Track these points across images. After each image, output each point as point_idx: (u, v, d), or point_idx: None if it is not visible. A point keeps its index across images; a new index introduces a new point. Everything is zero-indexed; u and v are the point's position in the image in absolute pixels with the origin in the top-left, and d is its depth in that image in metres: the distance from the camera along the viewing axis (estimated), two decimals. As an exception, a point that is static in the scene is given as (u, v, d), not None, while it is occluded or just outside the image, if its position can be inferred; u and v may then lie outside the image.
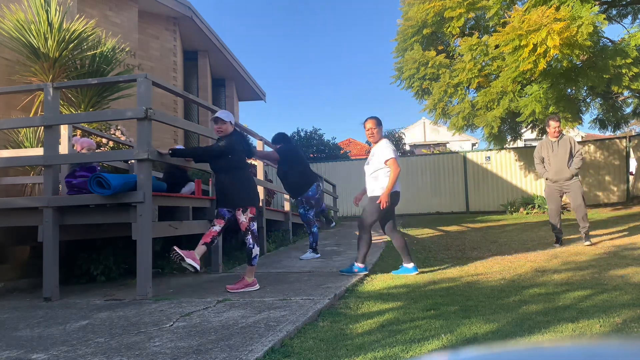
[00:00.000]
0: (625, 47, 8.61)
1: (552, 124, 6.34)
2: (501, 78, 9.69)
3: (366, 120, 5.03)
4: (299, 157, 6.30)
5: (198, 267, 4.06)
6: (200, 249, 4.14)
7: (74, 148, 5.05)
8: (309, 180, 6.18)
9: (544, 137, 6.60)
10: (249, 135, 8.58)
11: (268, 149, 7.20)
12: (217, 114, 4.38)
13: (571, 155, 6.23)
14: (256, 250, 4.27)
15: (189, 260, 3.97)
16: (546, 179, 6.42)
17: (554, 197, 6.36)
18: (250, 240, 4.27)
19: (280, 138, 6.41)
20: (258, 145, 7.26)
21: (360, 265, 4.86)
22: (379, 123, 5.02)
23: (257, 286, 4.21)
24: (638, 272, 4.29)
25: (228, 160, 4.28)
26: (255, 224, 4.35)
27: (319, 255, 6.23)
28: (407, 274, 4.73)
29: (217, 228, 4.28)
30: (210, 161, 4.54)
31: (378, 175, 4.93)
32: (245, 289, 4.14)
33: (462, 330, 2.74)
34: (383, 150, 4.93)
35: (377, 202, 4.79)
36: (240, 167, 4.34)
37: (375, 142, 5.03)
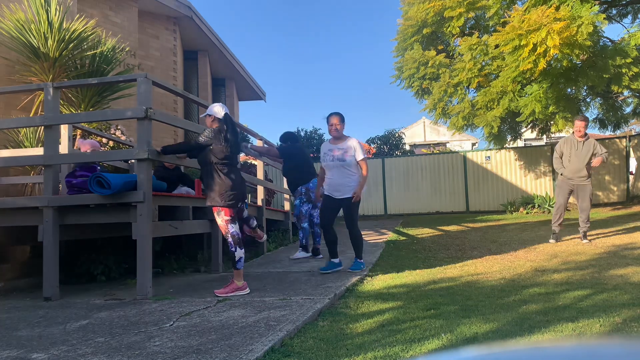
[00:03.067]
0: (625, 47, 8.61)
1: (576, 123, 6.44)
2: (501, 78, 9.69)
3: (331, 115, 5.05)
4: (298, 155, 6.27)
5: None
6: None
7: (81, 149, 5.04)
8: (306, 174, 6.13)
9: (570, 134, 6.78)
10: (249, 135, 8.59)
11: (266, 146, 7.19)
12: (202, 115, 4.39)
13: (593, 157, 6.33)
14: (240, 253, 4.04)
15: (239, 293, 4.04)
16: (561, 174, 6.52)
17: (564, 192, 6.50)
18: (232, 243, 4.02)
19: (287, 137, 6.38)
20: (258, 144, 7.26)
21: (335, 260, 5.05)
22: (342, 119, 5.05)
23: (247, 290, 4.02)
24: (638, 271, 4.29)
25: (208, 154, 4.05)
26: (236, 226, 4.09)
27: (309, 254, 6.11)
28: (336, 268, 4.95)
29: (240, 253, 4.12)
30: (195, 155, 4.32)
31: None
32: (235, 293, 3.94)
33: (462, 330, 2.74)
34: (357, 148, 5.03)
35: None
36: (218, 163, 4.03)
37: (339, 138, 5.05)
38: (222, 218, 4.03)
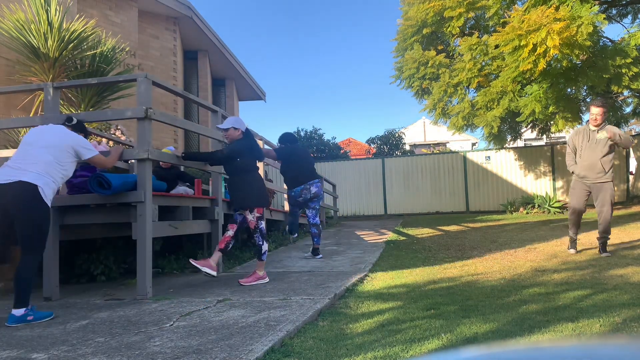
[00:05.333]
0: (625, 47, 8.62)
1: (593, 109, 5.28)
2: (501, 78, 9.70)
3: None
4: (296, 155, 6.25)
5: (215, 274, 4.39)
6: (216, 255, 4.51)
7: None
8: (302, 176, 6.13)
9: (584, 124, 5.68)
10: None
11: (268, 148, 7.20)
12: (219, 125, 4.77)
13: (611, 151, 5.23)
14: (265, 247, 4.60)
15: (205, 269, 4.31)
16: (572, 173, 5.48)
17: (578, 194, 5.39)
18: (260, 238, 4.58)
19: (286, 138, 6.37)
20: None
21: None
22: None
23: (267, 279, 4.55)
24: (637, 271, 4.29)
25: (237, 164, 4.55)
26: (264, 223, 4.64)
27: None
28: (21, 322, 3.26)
29: (230, 233, 4.55)
30: (222, 164, 4.82)
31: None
32: (258, 281, 4.47)
33: (462, 330, 2.74)
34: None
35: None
36: (247, 170, 4.57)
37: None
38: (254, 215, 4.54)
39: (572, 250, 5.57)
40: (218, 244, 4.60)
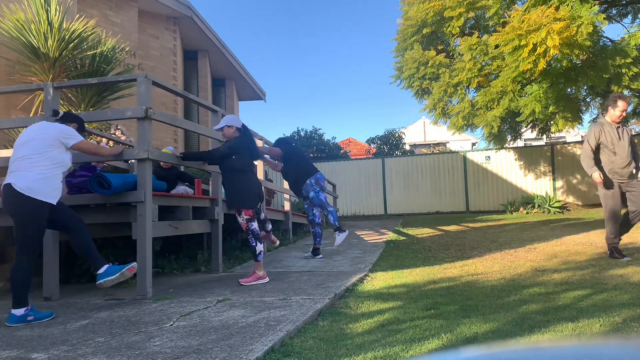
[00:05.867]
0: (625, 47, 8.62)
1: (621, 104, 4.90)
2: (501, 78, 9.70)
3: None
4: (298, 156, 6.27)
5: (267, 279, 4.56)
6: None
7: None
8: (306, 169, 6.11)
9: (599, 119, 5.15)
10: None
11: (267, 147, 7.19)
12: (216, 126, 4.75)
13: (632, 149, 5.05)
14: (259, 247, 4.54)
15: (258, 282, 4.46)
16: (609, 170, 5.04)
17: (617, 194, 5.09)
18: (253, 240, 4.52)
19: (281, 142, 6.37)
20: (257, 144, 7.26)
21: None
22: None
23: (267, 279, 4.54)
24: (637, 271, 4.29)
25: (230, 162, 4.49)
26: (255, 224, 4.55)
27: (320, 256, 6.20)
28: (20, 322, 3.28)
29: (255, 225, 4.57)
30: (219, 162, 4.73)
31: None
32: (258, 281, 4.47)
33: (462, 330, 2.74)
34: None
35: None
36: (240, 170, 4.49)
37: None
38: (243, 217, 4.49)
39: (628, 258, 4.97)
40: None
